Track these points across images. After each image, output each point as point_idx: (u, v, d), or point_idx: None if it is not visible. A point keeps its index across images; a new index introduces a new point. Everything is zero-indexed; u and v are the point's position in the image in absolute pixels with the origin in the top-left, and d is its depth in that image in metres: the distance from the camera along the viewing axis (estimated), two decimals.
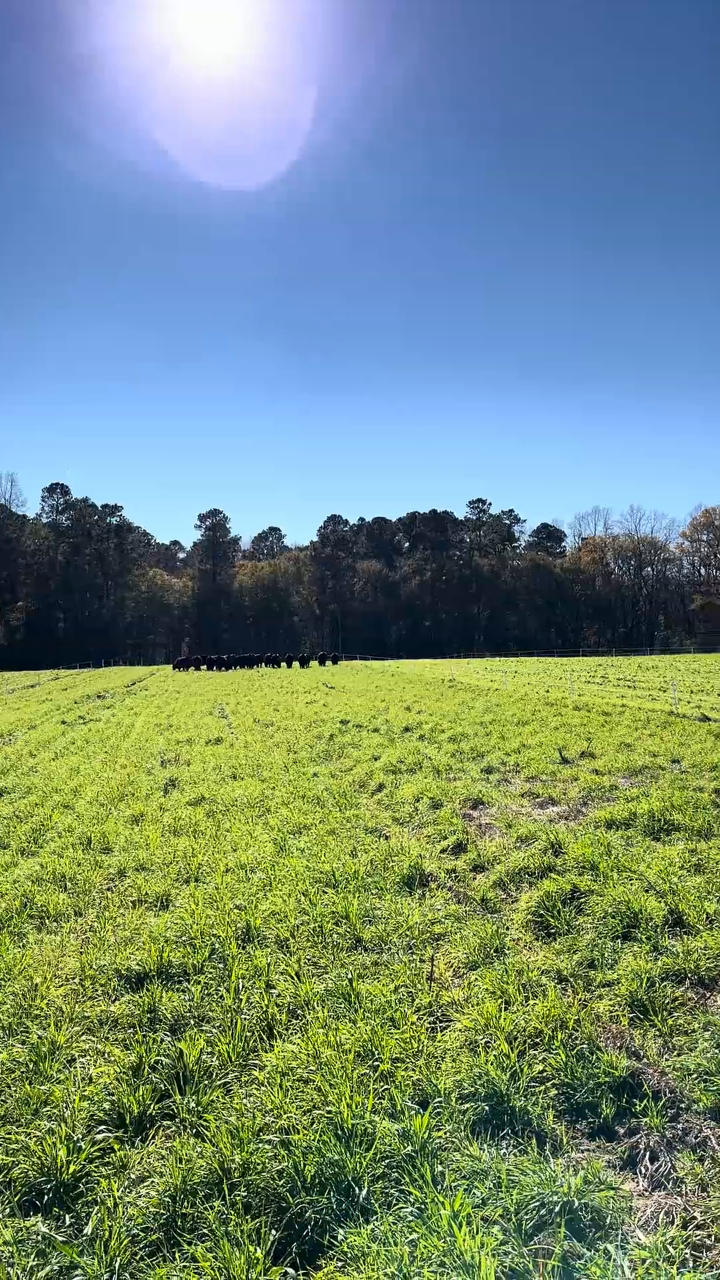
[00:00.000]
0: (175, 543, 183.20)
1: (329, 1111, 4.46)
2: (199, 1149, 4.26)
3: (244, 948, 7.20)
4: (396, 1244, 3.48)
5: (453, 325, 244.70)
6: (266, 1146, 4.20)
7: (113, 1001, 6.23)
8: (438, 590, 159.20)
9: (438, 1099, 4.71)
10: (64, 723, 28.19)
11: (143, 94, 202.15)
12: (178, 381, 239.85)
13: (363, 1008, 5.85)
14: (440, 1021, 5.81)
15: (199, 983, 6.40)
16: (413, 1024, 5.62)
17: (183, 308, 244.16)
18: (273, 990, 6.25)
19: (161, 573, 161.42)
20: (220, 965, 6.78)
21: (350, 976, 6.34)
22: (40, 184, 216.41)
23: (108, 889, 9.15)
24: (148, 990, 6.24)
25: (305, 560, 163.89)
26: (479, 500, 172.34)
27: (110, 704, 37.46)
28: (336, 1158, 4.05)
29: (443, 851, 10.28)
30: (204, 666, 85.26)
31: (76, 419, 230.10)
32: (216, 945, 7.16)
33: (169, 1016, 5.90)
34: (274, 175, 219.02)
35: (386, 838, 10.99)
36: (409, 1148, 4.19)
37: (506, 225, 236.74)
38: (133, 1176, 4.18)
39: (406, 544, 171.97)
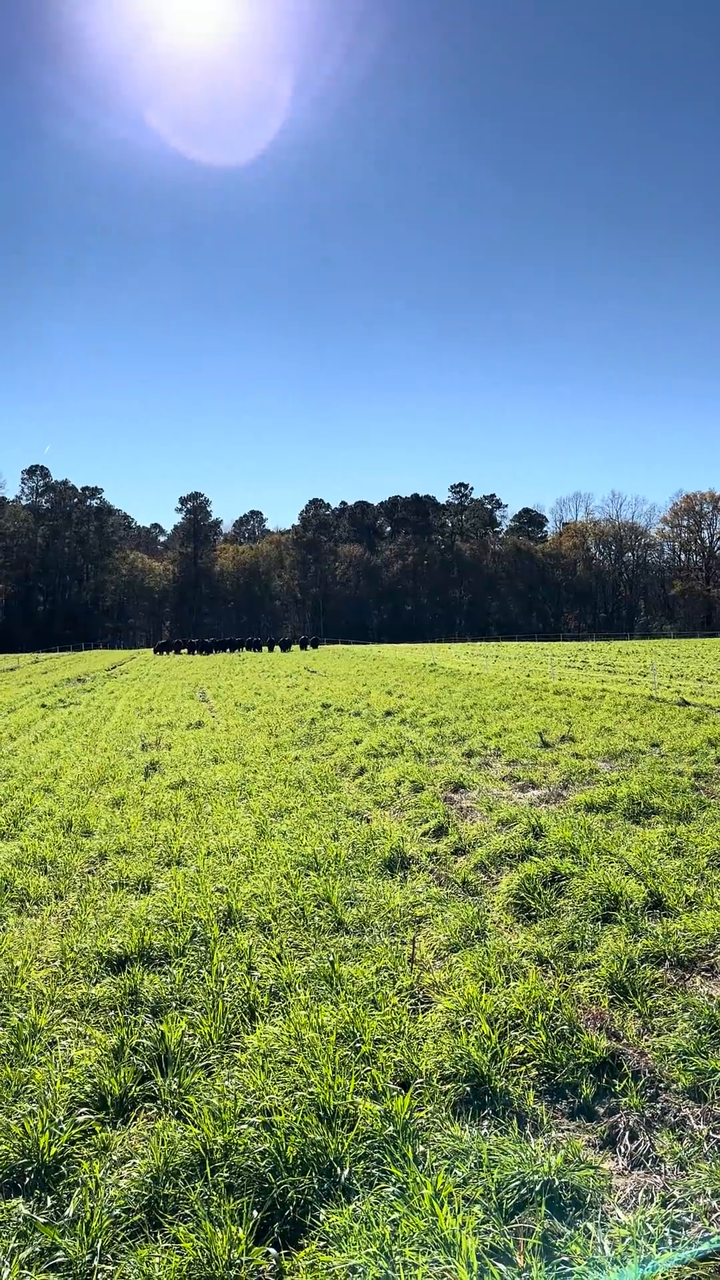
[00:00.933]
0: (156, 526, 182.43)
1: (311, 1093, 4.47)
2: (181, 1130, 4.26)
3: (226, 930, 7.20)
4: (378, 1224, 3.50)
5: (434, 306, 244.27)
6: (249, 1128, 4.20)
7: (94, 984, 6.21)
8: (419, 574, 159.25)
9: (419, 1080, 4.73)
10: (44, 706, 28.06)
11: (127, 70, 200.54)
12: (159, 362, 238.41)
13: (345, 990, 5.86)
14: (422, 1003, 5.83)
15: (181, 965, 6.39)
16: (394, 1006, 5.63)
17: (163, 285, 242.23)
18: (255, 973, 6.26)
19: (142, 556, 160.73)
20: (202, 948, 6.78)
21: (332, 959, 6.35)
22: (27, 153, 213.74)
23: (89, 872, 9.13)
24: (129, 973, 6.23)
25: (287, 544, 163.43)
26: (461, 485, 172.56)
27: (91, 688, 37.31)
28: (319, 1139, 4.06)
29: (424, 835, 10.31)
30: (185, 650, 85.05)
31: (56, 399, 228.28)
32: (198, 928, 7.15)
33: (150, 999, 5.89)
34: (255, 153, 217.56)
35: (368, 821, 11.01)
36: (391, 1128, 4.20)
37: (486, 202, 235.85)
38: (114, 1158, 4.18)
39: (389, 528, 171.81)
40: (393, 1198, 3.72)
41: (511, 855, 9.12)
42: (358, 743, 17.27)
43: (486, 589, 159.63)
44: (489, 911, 7.64)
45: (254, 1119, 4.28)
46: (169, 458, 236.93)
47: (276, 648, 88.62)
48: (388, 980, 6.08)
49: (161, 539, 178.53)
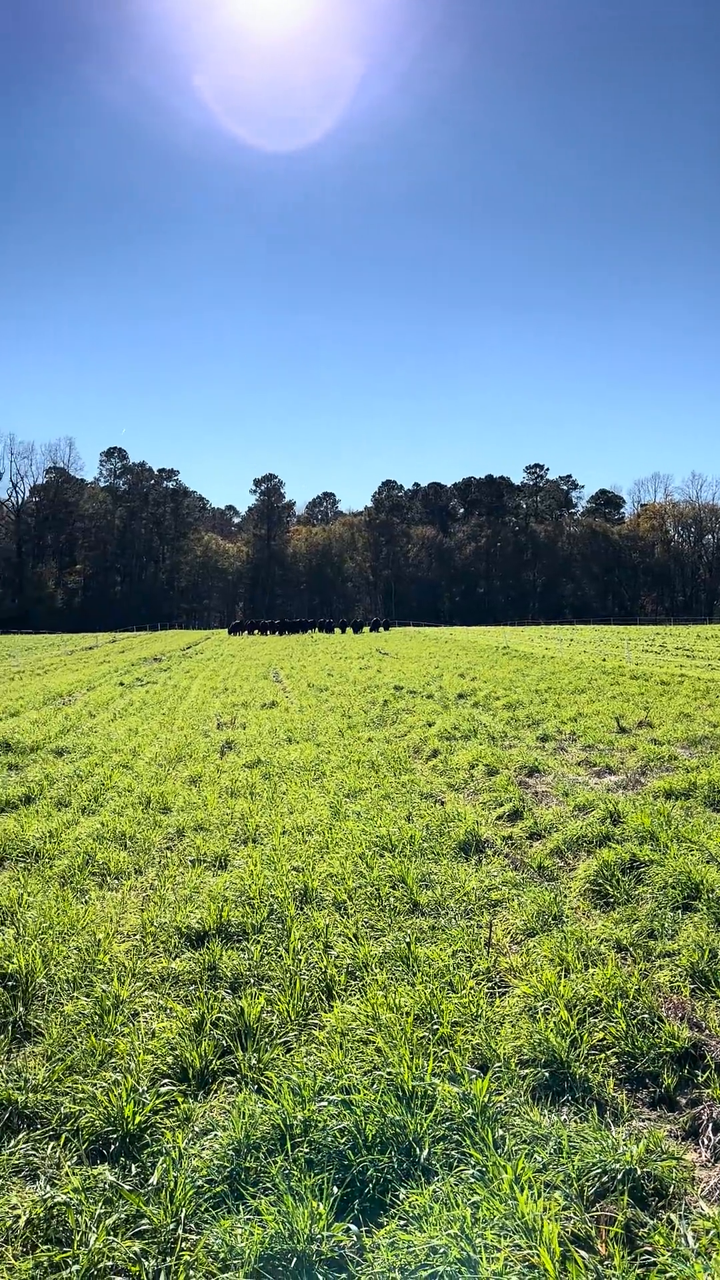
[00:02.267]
0: (230, 508, 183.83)
1: (389, 1073, 4.48)
2: (261, 1105, 4.31)
3: (302, 909, 7.26)
4: (458, 1205, 3.50)
5: (507, 284, 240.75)
6: (328, 1105, 4.23)
7: (174, 958, 6.32)
8: (492, 557, 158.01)
9: (497, 1064, 4.72)
10: (122, 684, 28.58)
11: (187, 37, 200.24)
12: (232, 343, 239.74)
13: (421, 971, 5.87)
14: (498, 987, 5.81)
15: (258, 942, 6.47)
16: (471, 989, 5.62)
17: (235, 269, 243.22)
18: (331, 951, 6.30)
19: (216, 537, 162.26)
20: (279, 925, 6.85)
21: (408, 940, 6.36)
22: (76, 116, 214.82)
23: (167, 848, 9.28)
24: (208, 948, 6.32)
25: (359, 526, 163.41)
26: (536, 465, 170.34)
27: (166, 667, 37.89)
28: (397, 1119, 4.08)
29: (499, 818, 10.26)
30: (257, 631, 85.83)
31: (132, 381, 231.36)
32: (275, 906, 7.22)
33: (229, 975, 5.97)
34: (303, 144, 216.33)
35: (442, 803, 10.99)
36: (469, 1111, 4.20)
37: (561, 183, 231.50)
38: (196, 1129, 4.25)
39: (461, 510, 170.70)
40: (472, 1180, 3.71)
41: (589, 841, 9.02)
42: (430, 725, 17.24)
43: (561, 571, 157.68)
44: (566, 897, 7.57)
45: (333, 1097, 4.30)
46: (243, 440, 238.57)
47: (348, 629, 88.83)
48: (464, 963, 6.07)
49: (235, 521, 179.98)
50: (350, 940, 6.56)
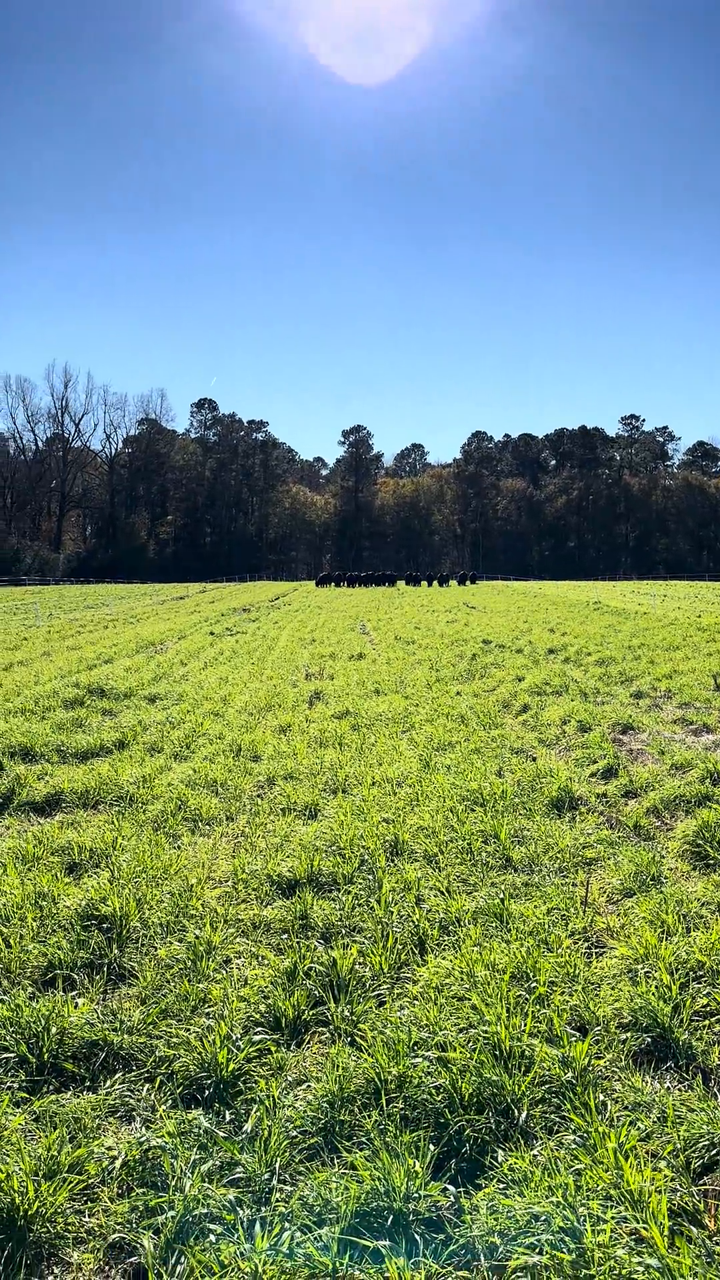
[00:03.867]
0: (319, 459, 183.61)
1: (485, 1031, 4.37)
2: (355, 1058, 4.25)
3: (393, 860, 7.19)
4: (561, 1172, 3.38)
5: (602, 226, 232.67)
6: (423, 1062, 4.15)
7: (265, 906, 6.31)
8: (584, 510, 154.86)
9: (596, 1027, 4.57)
10: (212, 634, 28.89)
11: None
12: (319, 294, 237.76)
13: (515, 928, 5.74)
14: (595, 948, 5.65)
15: (349, 893, 6.42)
16: (567, 948, 5.48)
17: (309, 212, 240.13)
18: (423, 905, 6.21)
19: (304, 489, 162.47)
20: (369, 877, 6.79)
21: (501, 896, 6.23)
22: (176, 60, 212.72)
23: (257, 796, 9.31)
24: (299, 897, 6.29)
25: (448, 478, 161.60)
26: (632, 416, 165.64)
27: (255, 617, 38.20)
28: (495, 1078, 3.97)
29: (592, 775, 10.02)
30: (344, 583, 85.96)
31: (222, 332, 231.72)
32: (366, 857, 7.16)
33: (320, 924, 5.93)
34: (397, 69, 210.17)
35: (533, 759, 10.79)
36: (569, 1074, 4.07)
37: (655, 117, 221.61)
38: (289, 1079, 4.21)
39: (553, 462, 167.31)
40: (574, 1146, 3.59)
41: (687, 801, 8.74)
42: (520, 680, 16.98)
43: (655, 526, 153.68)
44: (664, 858, 7.34)
45: (428, 1053, 4.22)
46: (333, 392, 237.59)
47: (435, 582, 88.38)
48: (559, 921, 5.92)
49: (323, 473, 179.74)
50: (442, 894, 6.46)
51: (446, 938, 5.72)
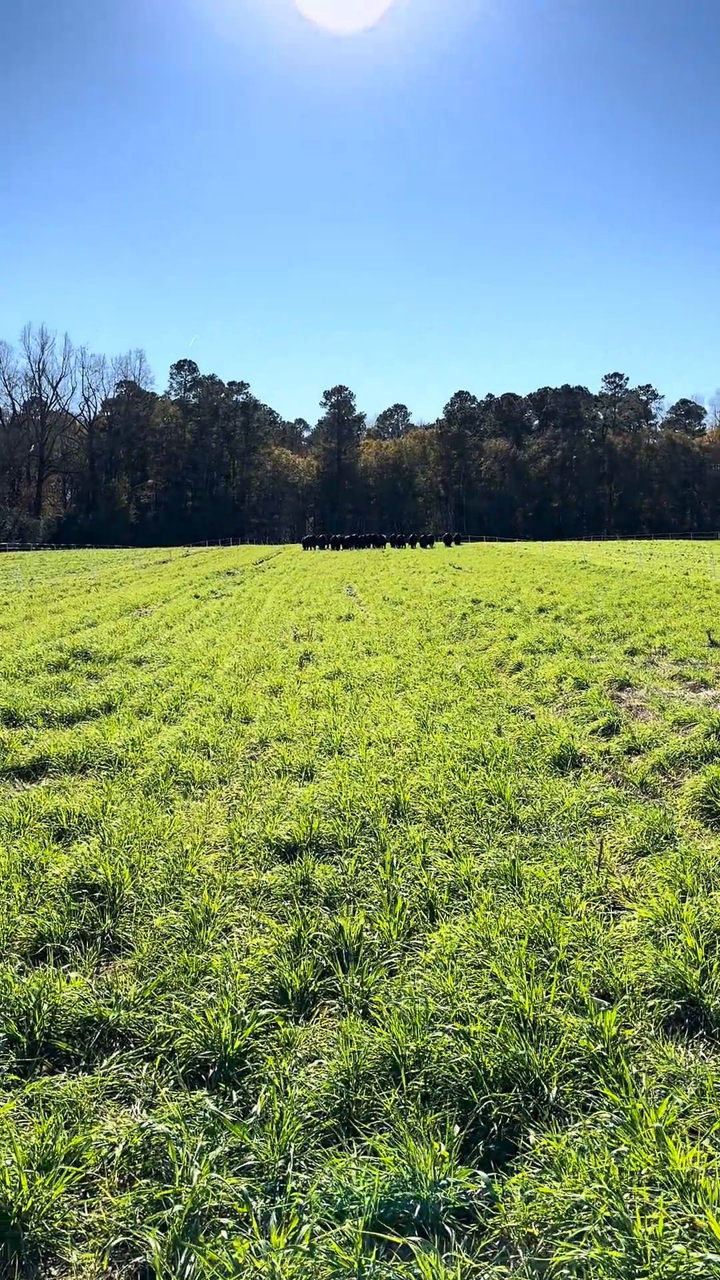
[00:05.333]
0: (300, 421, 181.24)
1: (506, 1001, 4.10)
2: (369, 1033, 3.98)
3: (395, 822, 6.92)
4: (601, 1154, 3.12)
5: (580, 185, 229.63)
6: (443, 1035, 3.87)
7: (264, 871, 6.04)
8: (567, 470, 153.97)
9: (622, 994, 4.32)
10: (197, 597, 28.48)
11: None
12: (299, 252, 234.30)
13: (528, 891, 5.48)
14: (613, 909, 5.40)
15: (352, 856, 6.15)
16: (583, 910, 5.23)
17: (290, 172, 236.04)
18: (430, 868, 5.94)
19: (286, 451, 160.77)
20: (371, 839, 6.52)
21: (512, 857, 5.97)
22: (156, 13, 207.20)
23: (251, 758, 9.02)
24: (300, 861, 6.01)
25: (431, 439, 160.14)
26: (615, 375, 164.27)
27: (240, 580, 37.75)
28: (520, 1052, 3.70)
29: (593, 733, 9.77)
30: (330, 546, 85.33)
31: (200, 294, 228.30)
32: (367, 819, 6.89)
33: (323, 890, 5.66)
34: (376, 17, 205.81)
35: (532, 717, 10.54)
36: (599, 1046, 3.81)
37: (635, 78, 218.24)
38: (299, 1055, 3.94)
39: (536, 422, 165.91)
40: (611, 1125, 3.33)
41: (693, 757, 8.51)
42: (512, 638, 16.72)
43: (638, 485, 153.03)
44: (674, 815, 7.10)
45: (448, 1026, 3.94)
46: (314, 352, 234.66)
47: (419, 544, 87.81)
48: (573, 883, 5.67)
49: (305, 435, 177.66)
50: (449, 856, 6.20)
51: (457, 902, 5.45)
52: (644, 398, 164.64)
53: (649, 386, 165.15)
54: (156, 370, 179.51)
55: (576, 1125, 3.38)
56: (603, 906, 5.40)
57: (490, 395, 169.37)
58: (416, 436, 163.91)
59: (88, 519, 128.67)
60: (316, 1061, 3.88)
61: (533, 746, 9.03)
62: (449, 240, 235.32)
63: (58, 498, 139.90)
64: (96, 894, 5.59)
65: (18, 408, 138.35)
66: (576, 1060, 3.76)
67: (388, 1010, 4.09)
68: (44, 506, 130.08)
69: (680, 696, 11.59)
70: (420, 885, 5.61)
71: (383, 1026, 3.97)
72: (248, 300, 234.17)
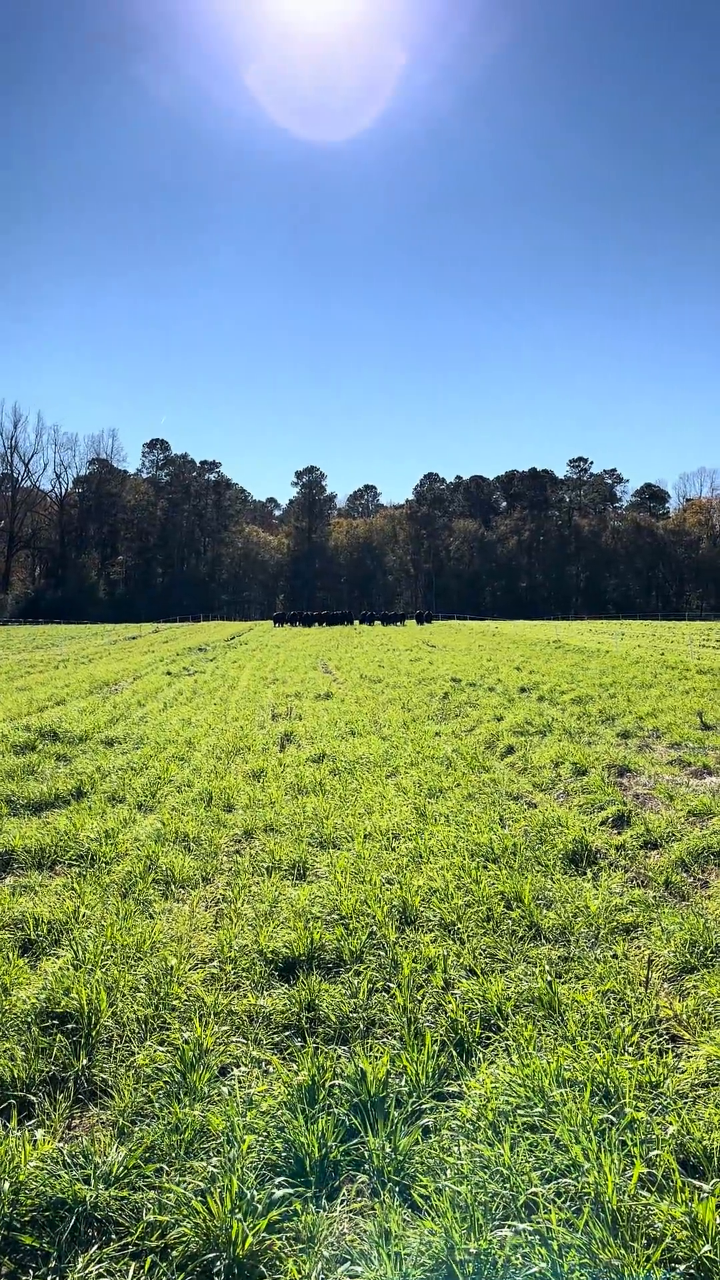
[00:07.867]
0: (271, 500, 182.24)
1: (580, 1182, 3.33)
2: (412, 1224, 3.19)
3: (404, 931, 6.16)
4: None
5: (549, 277, 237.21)
6: (510, 1234, 3.09)
7: (262, 993, 5.24)
8: (535, 550, 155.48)
9: (710, 1163, 3.56)
10: (169, 674, 27.65)
11: (235, 33, 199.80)
12: (275, 336, 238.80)
13: (570, 1020, 4.73)
14: (670, 1042, 4.66)
15: (360, 974, 5.37)
16: (638, 1046, 4.48)
17: (263, 263, 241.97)
18: (453, 990, 5.17)
19: (258, 529, 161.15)
20: (381, 953, 5.75)
21: (546, 977, 5.21)
22: (126, 111, 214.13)
23: (235, 851, 8.23)
24: (303, 982, 5.23)
25: (401, 519, 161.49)
26: (580, 459, 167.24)
27: (213, 657, 36.95)
28: (614, 1259, 2.93)
29: (603, 824, 9.09)
30: (300, 623, 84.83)
31: (175, 373, 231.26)
32: (374, 927, 6.11)
33: (332, 1018, 4.87)
34: (353, 131, 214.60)
35: (534, 805, 9.85)
36: (704, 1246, 3.05)
37: (592, 183, 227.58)
38: (325, 1256, 3.13)
39: (504, 503, 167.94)
40: None
41: (716, 854, 7.84)
42: (499, 719, 16.10)
43: (604, 566, 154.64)
44: (711, 922, 6.39)
45: (518, 1224, 3.15)
46: (286, 433, 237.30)
47: (391, 622, 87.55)
48: (619, 1008, 4.93)
49: (276, 513, 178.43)
50: (472, 975, 5.44)
51: (491, 1035, 4.68)
52: (609, 481, 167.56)
53: (614, 470, 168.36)
54: (129, 448, 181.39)
55: None
56: (658, 1039, 4.65)
57: (459, 477, 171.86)
58: (386, 516, 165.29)
59: (57, 594, 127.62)
60: (347, 1266, 3.07)
61: (541, 839, 8.33)
62: (417, 326, 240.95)
63: (27, 573, 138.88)
64: (69, 1024, 4.76)
65: None
66: (684, 1267, 2.99)
67: (434, 1195, 3.29)
68: (12, 582, 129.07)
69: (685, 784, 10.97)
70: (446, 1014, 4.84)
71: (431, 1218, 3.18)
72: (221, 382, 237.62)
